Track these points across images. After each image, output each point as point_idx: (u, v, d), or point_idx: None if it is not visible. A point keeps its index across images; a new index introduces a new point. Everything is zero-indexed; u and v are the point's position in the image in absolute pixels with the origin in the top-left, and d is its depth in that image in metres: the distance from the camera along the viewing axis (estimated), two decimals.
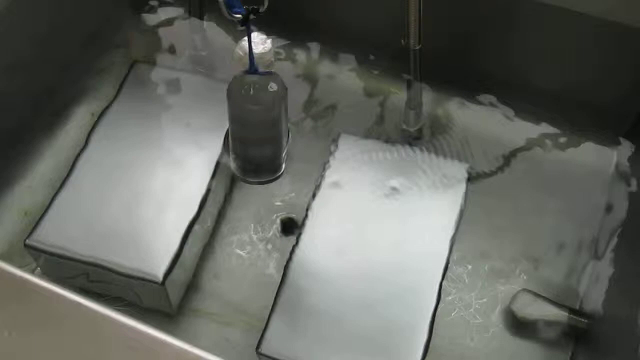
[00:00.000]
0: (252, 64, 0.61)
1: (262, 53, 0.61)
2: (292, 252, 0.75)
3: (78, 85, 0.92)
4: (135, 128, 0.82)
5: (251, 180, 0.71)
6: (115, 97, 0.85)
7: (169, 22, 0.98)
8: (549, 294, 0.78)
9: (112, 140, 0.81)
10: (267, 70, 0.62)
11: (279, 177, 0.71)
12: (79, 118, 0.91)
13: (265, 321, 0.70)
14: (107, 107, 0.84)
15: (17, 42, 0.80)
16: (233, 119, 0.66)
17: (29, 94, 0.85)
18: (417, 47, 0.78)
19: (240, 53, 0.61)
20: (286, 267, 0.74)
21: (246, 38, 0.60)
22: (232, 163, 0.71)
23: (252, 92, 0.63)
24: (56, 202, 0.77)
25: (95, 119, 0.83)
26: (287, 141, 0.69)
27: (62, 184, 0.78)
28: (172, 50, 0.95)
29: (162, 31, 0.97)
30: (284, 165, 0.71)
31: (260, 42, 0.61)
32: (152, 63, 0.89)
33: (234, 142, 0.68)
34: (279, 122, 0.66)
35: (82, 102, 0.92)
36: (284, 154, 0.70)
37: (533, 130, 0.90)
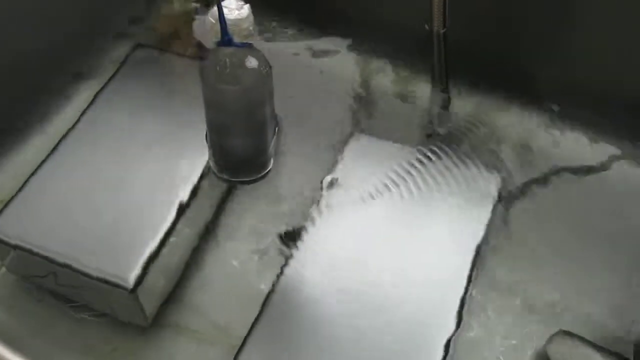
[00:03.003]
0: (225, 32, 0.52)
1: (238, 19, 0.52)
2: (284, 267, 0.69)
3: (78, 69, 0.90)
4: (127, 113, 0.78)
5: (230, 178, 0.62)
6: (111, 79, 0.82)
7: (174, 6, 0.94)
8: (594, 337, 0.69)
9: (100, 124, 0.78)
10: (245, 42, 0.53)
11: (265, 175, 0.62)
12: (76, 103, 0.87)
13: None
14: (101, 89, 0.81)
15: (15, 24, 0.79)
16: (208, 103, 0.58)
17: (25, 77, 0.83)
18: (442, 31, 0.73)
19: (212, 20, 0.51)
20: (274, 286, 0.67)
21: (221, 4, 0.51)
22: (210, 158, 0.62)
23: (227, 68, 0.54)
24: (26, 190, 0.72)
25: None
26: (275, 132, 0.60)
27: (36, 169, 0.73)
28: (176, 34, 0.91)
29: (167, 14, 0.94)
30: (271, 161, 0.61)
31: (236, 8, 0.51)
32: (155, 47, 0.86)
33: (211, 132, 0.61)
34: (262, 107, 0.57)
35: (81, 86, 0.89)
36: (270, 148, 0.60)
37: (581, 141, 0.84)
